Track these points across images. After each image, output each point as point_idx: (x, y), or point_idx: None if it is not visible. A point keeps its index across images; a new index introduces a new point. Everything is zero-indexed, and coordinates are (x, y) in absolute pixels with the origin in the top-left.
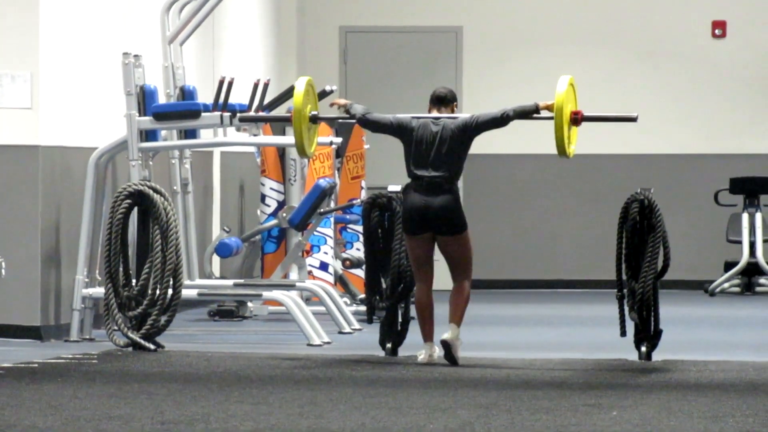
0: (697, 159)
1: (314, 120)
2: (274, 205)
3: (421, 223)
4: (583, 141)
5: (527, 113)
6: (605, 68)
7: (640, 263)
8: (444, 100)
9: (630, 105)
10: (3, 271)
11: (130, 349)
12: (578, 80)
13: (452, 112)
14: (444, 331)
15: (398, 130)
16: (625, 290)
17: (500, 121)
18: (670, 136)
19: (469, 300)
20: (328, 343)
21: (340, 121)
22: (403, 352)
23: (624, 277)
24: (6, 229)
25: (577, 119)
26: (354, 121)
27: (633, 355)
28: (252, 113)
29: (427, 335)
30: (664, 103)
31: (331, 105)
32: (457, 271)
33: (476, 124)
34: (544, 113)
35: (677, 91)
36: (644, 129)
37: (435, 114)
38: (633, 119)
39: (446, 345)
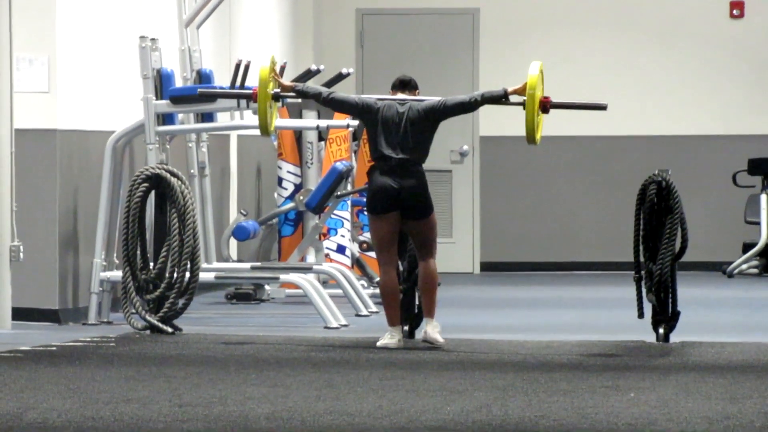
0: (715, 140)
1: (276, 98)
2: (291, 188)
3: (388, 203)
4: (600, 123)
5: (496, 99)
6: (622, 50)
7: (657, 245)
8: (408, 85)
9: (647, 86)
10: (21, 254)
11: (148, 332)
12: (595, 62)
13: (415, 96)
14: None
15: (362, 110)
16: (642, 272)
17: (468, 106)
18: (688, 117)
19: (437, 281)
20: (345, 325)
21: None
22: (420, 334)
23: (642, 258)
24: (24, 213)
25: (546, 106)
26: (312, 100)
27: (651, 337)
28: (210, 90)
29: (393, 320)
30: (681, 84)
31: (278, 85)
32: (424, 250)
33: (443, 108)
34: (514, 99)
35: (695, 72)
36: (662, 110)
37: (399, 96)
38: (603, 107)
39: (430, 342)
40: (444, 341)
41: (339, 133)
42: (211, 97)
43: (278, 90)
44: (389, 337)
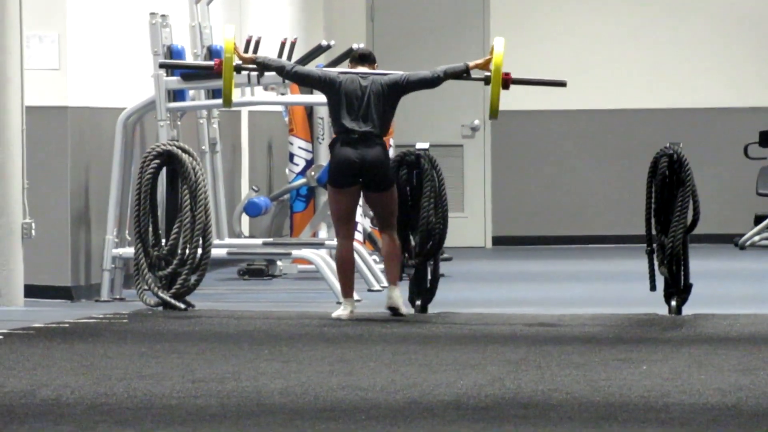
0: (726, 112)
1: (238, 70)
2: (302, 164)
3: (351, 176)
4: (611, 96)
5: (458, 74)
6: (632, 23)
7: (669, 218)
8: (368, 59)
9: (658, 59)
10: (33, 231)
11: (161, 308)
12: (606, 35)
13: (373, 70)
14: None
15: (325, 84)
16: (654, 245)
17: (431, 81)
18: (699, 89)
19: (399, 253)
20: (358, 300)
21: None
22: (432, 309)
23: (654, 231)
24: (36, 190)
25: (507, 82)
26: (274, 73)
27: (663, 310)
28: (172, 61)
29: (347, 292)
30: (692, 56)
31: (239, 58)
32: (386, 222)
33: (406, 83)
34: (475, 74)
35: (705, 44)
36: (673, 83)
37: (360, 69)
38: (562, 84)
39: (394, 310)
40: (407, 311)
41: None
42: (173, 68)
43: (240, 62)
44: (341, 309)
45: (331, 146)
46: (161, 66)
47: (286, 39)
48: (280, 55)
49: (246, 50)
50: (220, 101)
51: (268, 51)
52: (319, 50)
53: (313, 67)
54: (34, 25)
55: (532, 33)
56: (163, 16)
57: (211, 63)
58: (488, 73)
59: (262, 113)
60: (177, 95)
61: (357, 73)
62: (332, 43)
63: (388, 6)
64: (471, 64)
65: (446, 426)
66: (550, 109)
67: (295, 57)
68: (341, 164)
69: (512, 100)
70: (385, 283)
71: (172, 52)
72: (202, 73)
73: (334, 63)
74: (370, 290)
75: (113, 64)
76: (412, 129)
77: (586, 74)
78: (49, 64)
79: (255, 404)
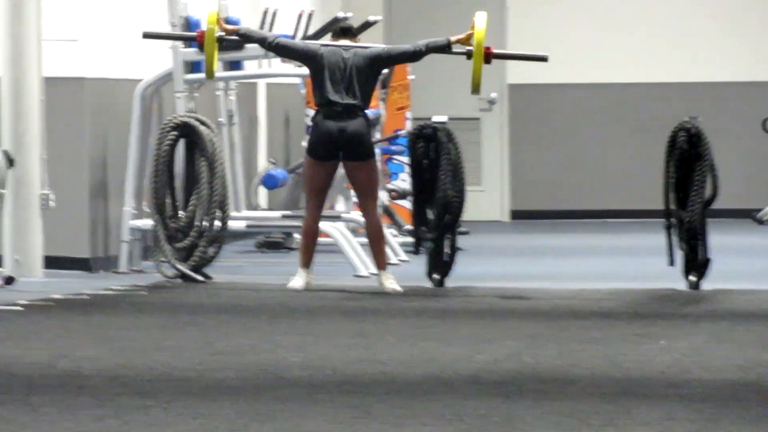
0: (744, 86)
1: (220, 41)
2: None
3: (332, 149)
4: (630, 69)
5: (440, 48)
6: None
7: (688, 192)
8: (349, 32)
9: (676, 32)
10: (51, 202)
11: (179, 280)
12: (623, 9)
13: (355, 43)
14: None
15: (307, 56)
16: (673, 219)
17: (412, 55)
18: (718, 63)
19: (384, 234)
20: (375, 274)
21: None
22: (450, 283)
23: (672, 206)
24: (54, 161)
25: (488, 57)
26: (256, 45)
27: (681, 285)
28: (156, 31)
29: (305, 262)
30: (710, 29)
31: (221, 30)
32: (367, 200)
33: (388, 56)
34: (457, 48)
35: (724, 17)
36: (691, 57)
37: (342, 43)
38: (543, 59)
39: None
40: (402, 289)
41: None
42: (157, 38)
43: (222, 33)
44: (296, 279)
45: (314, 118)
46: (145, 36)
47: (302, 11)
48: (297, 27)
49: (263, 23)
50: (238, 72)
51: (284, 23)
52: (335, 22)
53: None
54: None
55: (550, 6)
56: None
57: (194, 34)
58: (470, 48)
59: (279, 85)
60: (194, 67)
61: (339, 46)
62: (349, 15)
63: None
64: (453, 38)
65: (464, 400)
66: (568, 83)
67: (312, 30)
68: (322, 137)
69: (530, 73)
70: (403, 257)
71: (190, 23)
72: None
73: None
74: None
75: (131, 36)
76: (430, 102)
77: (605, 47)
78: (67, 35)
79: (273, 377)
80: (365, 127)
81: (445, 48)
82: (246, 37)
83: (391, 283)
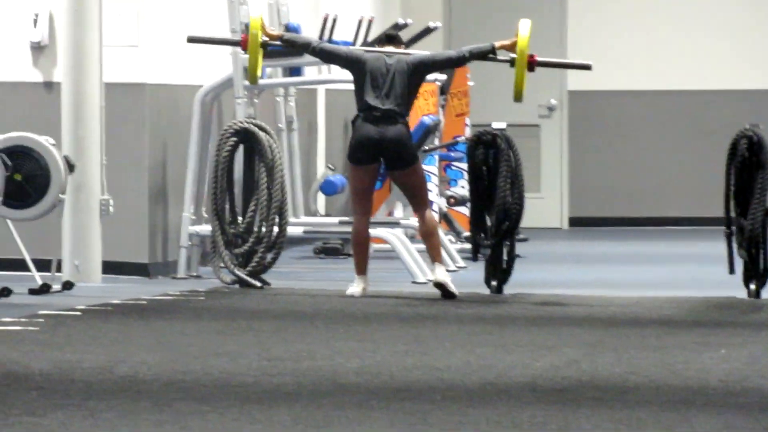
0: None
1: (264, 46)
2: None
3: (371, 153)
4: (690, 76)
5: (484, 54)
6: (712, 2)
7: (748, 200)
8: (395, 40)
9: (739, 39)
10: (111, 208)
11: (237, 286)
12: (684, 15)
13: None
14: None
15: (351, 61)
16: (733, 227)
17: (456, 61)
18: None
19: (438, 231)
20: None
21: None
22: (508, 290)
23: (732, 214)
24: (114, 167)
25: (532, 65)
26: (301, 50)
27: (742, 293)
28: (200, 35)
29: (361, 269)
30: None
31: (265, 35)
32: (416, 201)
33: (431, 62)
34: (502, 55)
35: None
36: (754, 63)
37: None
38: (587, 67)
39: (440, 286)
40: (455, 289)
41: (426, 88)
42: (201, 42)
43: (265, 39)
44: (354, 286)
45: (353, 122)
46: (189, 40)
47: (363, 17)
48: (357, 33)
49: (323, 28)
50: (296, 79)
51: (344, 30)
52: (396, 28)
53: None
54: (113, 1)
55: (611, 12)
56: None
57: (237, 39)
58: (513, 55)
59: (338, 91)
60: None
61: (383, 52)
62: (409, 21)
63: None
64: (497, 44)
65: (521, 408)
66: (628, 89)
67: (372, 36)
68: (361, 141)
69: (590, 80)
70: (461, 263)
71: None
72: (280, 50)
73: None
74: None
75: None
76: (489, 108)
77: (665, 54)
78: (128, 40)
79: (330, 383)
80: (405, 134)
81: (488, 54)
82: (290, 43)
83: (442, 273)
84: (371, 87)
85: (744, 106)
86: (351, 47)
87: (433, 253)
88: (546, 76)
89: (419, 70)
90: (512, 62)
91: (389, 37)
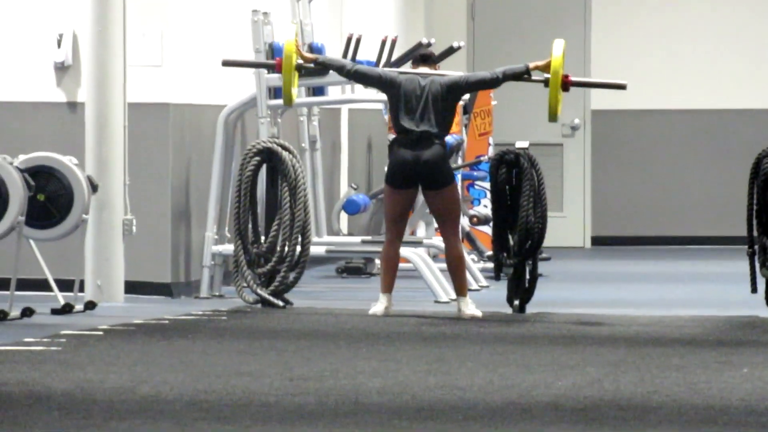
0: None
1: (299, 69)
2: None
3: (408, 177)
4: (713, 96)
5: (518, 75)
6: (735, 22)
7: None
8: (428, 60)
9: (761, 59)
10: (134, 228)
11: (259, 305)
12: (709, 34)
13: (435, 71)
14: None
15: (385, 83)
16: (756, 246)
17: (490, 82)
18: None
19: (464, 260)
20: (455, 300)
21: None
22: (531, 309)
23: (755, 233)
24: (137, 186)
25: (566, 85)
26: (335, 73)
27: (764, 312)
28: (234, 59)
29: (387, 287)
30: None
31: (300, 58)
32: (447, 226)
33: (465, 84)
34: (536, 76)
35: None
36: None
37: (421, 70)
38: (622, 87)
39: (469, 318)
40: (481, 313)
41: None
42: (236, 66)
43: (300, 61)
44: (378, 305)
45: (391, 146)
46: (224, 64)
47: (386, 37)
48: (381, 52)
49: (347, 48)
50: (321, 98)
51: (368, 49)
52: (419, 48)
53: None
54: (137, 21)
55: (634, 31)
56: (264, 13)
57: (273, 62)
58: (548, 75)
59: (362, 111)
60: (278, 92)
61: (417, 73)
62: (432, 41)
63: (489, 4)
64: (531, 65)
65: (544, 427)
66: (651, 109)
67: (396, 55)
68: (398, 165)
69: (613, 99)
70: (484, 282)
71: (274, 49)
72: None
73: (402, 59)
74: (468, 289)
75: (215, 61)
76: (512, 128)
77: (687, 74)
78: (152, 60)
79: (353, 402)
80: (441, 155)
81: (523, 75)
82: (324, 65)
83: (470, 308)
84: (405, 109)
85: (767, 125)
86: (385, 69)
87: (458, 285)
88: (569, 95)
89: (453, 91)
90: (546, 82)
91: (424, 58)
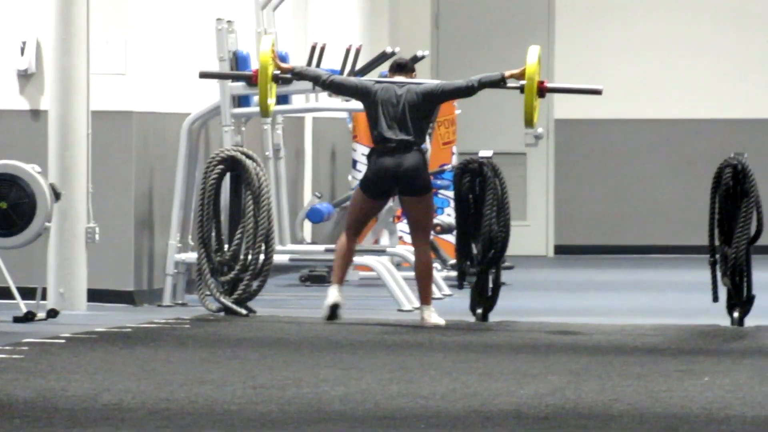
0: None
1: (276, 79)
2: (365, 170)
3: (387, 187)
4: (676, 105)
5: (494, 83)
6: (700, 32)
7: (732, 228)
8: (405, 68)
9: (723, 69)
10: (97, 236)
11: (222, 314)
12: (673, 44)
13: (411, 78)
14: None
15: (361, 93)
16: (717, 255)
17: (465, 91)
18: (764, 100)
19: (432, 269)
20: (418, 308)
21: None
22: (493, 317)
23: (717, 242)
24: (100, 194)
25: (542, 91)
26: (311, 83)
27: (725, 321)
28: (212, 70)
29: (339, 279)
30: (759, 66)
31: (276, 68)
32: (419, 234)
33: (441, 92)
34: (512, 83)
35: None
36: (738, 93)
37: (397, 78)
38: (598, 92)
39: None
40: (444, 322)
41: None
42: (213, 78)
43: (277, 72)
44: (328, 297)
45: (369, 155)
46: (201, 76)
47: (351, 45)
48: (345, 61)
49: (311, 57)
50: (285, 107)
51: (332, 58)
52: (383, 57)
53: (375, 74)
54: (101, 30)
55: (598, 41)
56: (229, 22)
57: (249, 73)
58: (524, 82)
59: (325, 120)
60: (241, 101)
61: (393, 82)
62: (397, 49)
63: (453, 13)
64: (507, 73)
65: None
66: (614, 118)
67: (360, 64)
68: (378, 173)
69: (577, 108)
70: (447, 291)
71: (238, 58)
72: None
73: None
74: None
75: (178, 70)
76: (476, 137)
77: (651, 84)
78: (115, 68)
79: (316, 411)
80: (422, 162)
81: (499, 83)
82: (300, 76)
83: (433, 317)
84: (383, 118)
85: (729, 135)
86: (362, 78)
87: (423, 294)
88: None
89: (429, 99)
90: (522, 89)
91: (400, 66)
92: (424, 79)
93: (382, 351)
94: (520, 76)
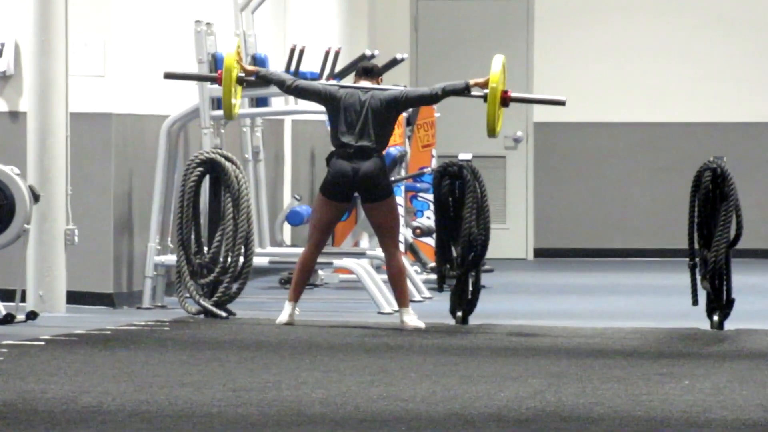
0: None
1: (240, 82)
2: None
3: (346, 190)
4: (655, 109)
5: (458, 91)
6: (678, 36)
7: (712, 232)
8: (371, 73)
9: (703, 73)
10: (76, 238)
11: (202, 316)
12: (651, 48)
13: (378, 84)
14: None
15: (325, 98)
16: (697, 259)
17: (429, 98)
18: (744, 104)
19: (405, 271)
20: (398, 311)
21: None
22: (473, 320)
23: (696, 245)
24: (79, 196)
25: (506, 100)
26: (275, 87)
27: (705, 324)
28: (176, 71)
29: (296, 295)
30: (737, 70)
31: (241, 71)
32: (386, 238)
33: (405, 99)
34: (476, 92)
35: (751, 58)
36: (717, 97)
37: (362, 84)
38: (561, 103)
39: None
40: (424, 325)
41: None
42: (178, 78)
43: (242, 74)
44: (282, 314)
45: (329, 159)
46: (166, 76)
47: (330, 48)
48: (324, 64)
49: (290, 60)
50: (264, 109)
51: (311, 60)
52: (362, 59)
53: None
54: (80, 31)
55: (577, 45)
56: (208, 24)
57: (214, 75)
58: (487, 91)
59: (305, 122)
60: (221, 103)
61: (358, 88)
62: (376, 52)
63: (432, 16)
64: (471, 82)
65: None
66: (593, 122)
67: (339, 66)
68: (336, 177)
69: (556, 112)
70: (427, 294)
71: (217, 60)
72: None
73: (346, 71)
74: (411, 300)
75: (158, 72)
76: (455, 140)
77: (630, 87)
78: (94, 70)
79: (295, 413)
80: (380, 168)
81: (463, 91)
82: (265, 79)
83: (412, 319)
84: (344, 123)
85: (708, 138)
86: (326, 83)
87: (400, 297)
88: (512, 108)
89: (392, 106)
90: (486, 98)
91: (366, 71)
92: (403, 83)
93: (363, 354)
94: (485, 85)
